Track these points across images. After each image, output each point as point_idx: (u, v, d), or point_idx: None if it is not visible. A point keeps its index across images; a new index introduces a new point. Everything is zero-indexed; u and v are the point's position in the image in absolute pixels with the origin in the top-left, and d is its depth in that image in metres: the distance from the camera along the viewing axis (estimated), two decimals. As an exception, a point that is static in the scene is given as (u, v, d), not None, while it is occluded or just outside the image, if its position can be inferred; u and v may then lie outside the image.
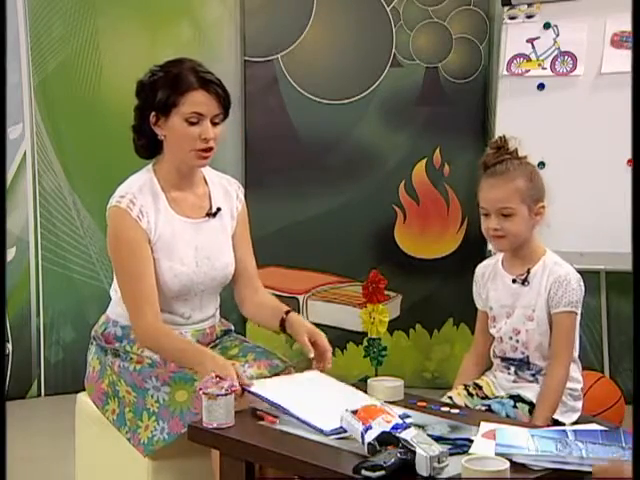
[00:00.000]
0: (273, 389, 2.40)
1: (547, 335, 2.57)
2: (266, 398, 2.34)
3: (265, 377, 2.52)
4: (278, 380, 2.51)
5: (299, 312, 4.68)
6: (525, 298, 2.59)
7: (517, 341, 2.61)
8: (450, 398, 2.58)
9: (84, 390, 2.74)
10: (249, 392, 2.37)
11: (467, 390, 2.63)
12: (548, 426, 2.34)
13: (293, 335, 2.64)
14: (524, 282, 2.59)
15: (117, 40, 4.57)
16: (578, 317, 2.57)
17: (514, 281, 2.61)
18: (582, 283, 2.57)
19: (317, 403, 2.34)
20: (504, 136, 2.62)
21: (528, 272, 2.59)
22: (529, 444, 2.04)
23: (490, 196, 2.56)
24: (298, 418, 2.23)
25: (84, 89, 4.56)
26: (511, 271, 2.63)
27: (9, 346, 4.46)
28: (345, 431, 2.14)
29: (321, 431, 2.17)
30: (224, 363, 2.45)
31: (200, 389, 2.25)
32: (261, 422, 2.25)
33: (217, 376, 2.26)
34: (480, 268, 2.74)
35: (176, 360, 2.54)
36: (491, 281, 2.68)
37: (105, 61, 4.56)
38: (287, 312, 2.69)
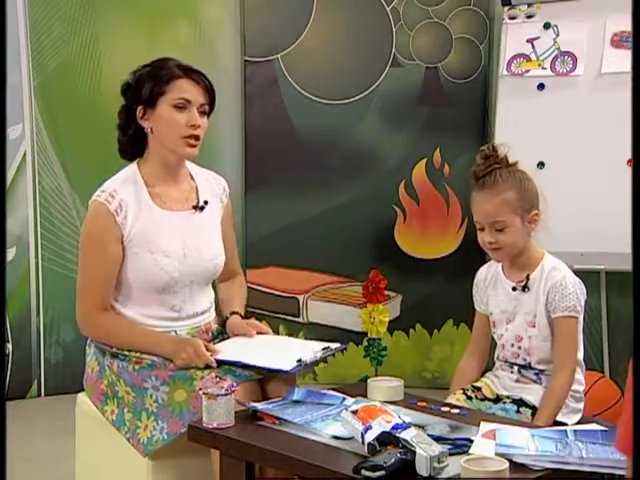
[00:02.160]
0: (232, 351, 2.57)
1: (549, 340, 2.56)
2: (229, 361, 2.50)
3: (260, 377, 2.53)
4: (230, 342, 2.65)
5: (299, 312, 4.69)
6: (526, 305, 2.58)
7: (519, 348, 2.60)
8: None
9: (84, 390, 2.74)
10: (218, 361, 2.51)
11: (465, 394, 2.62)
12: (549, 426, 2.34)
13: (228, 332, 2.74)
14: (524, 288, 2.58)
15: (117, 40, 4.58)
16: (579, 321, 2.56)
17: (514, 289, 2.60)
18: (582, 287, 2.55)
19: (271, 352, 2.56)
20: (493, 144, 2.59)
21: (527, 278, 2.58)
22: (529, 444, 2.04)
23: (481, 210, 2.54)
24: (259, 367, 2.47)
25: (84, 89, 4.56)
26: (511, 278, 2.62)
27: (9, 346, 4.46)
28: (306, 364, 2.47)
29: (281, 370, 2.43)
30: (185, 338, 2.59)
31: (200, 389, 2.26)
32: (261, 422, 2.25)
33: (217, 376, 2.26)
34: (482, 271, 2.73)
35: (128, 344, 2.60)
36: (492, 287, 2.67)
37: (105, 61, 4.57)
38: (232, 313, 2.76)
